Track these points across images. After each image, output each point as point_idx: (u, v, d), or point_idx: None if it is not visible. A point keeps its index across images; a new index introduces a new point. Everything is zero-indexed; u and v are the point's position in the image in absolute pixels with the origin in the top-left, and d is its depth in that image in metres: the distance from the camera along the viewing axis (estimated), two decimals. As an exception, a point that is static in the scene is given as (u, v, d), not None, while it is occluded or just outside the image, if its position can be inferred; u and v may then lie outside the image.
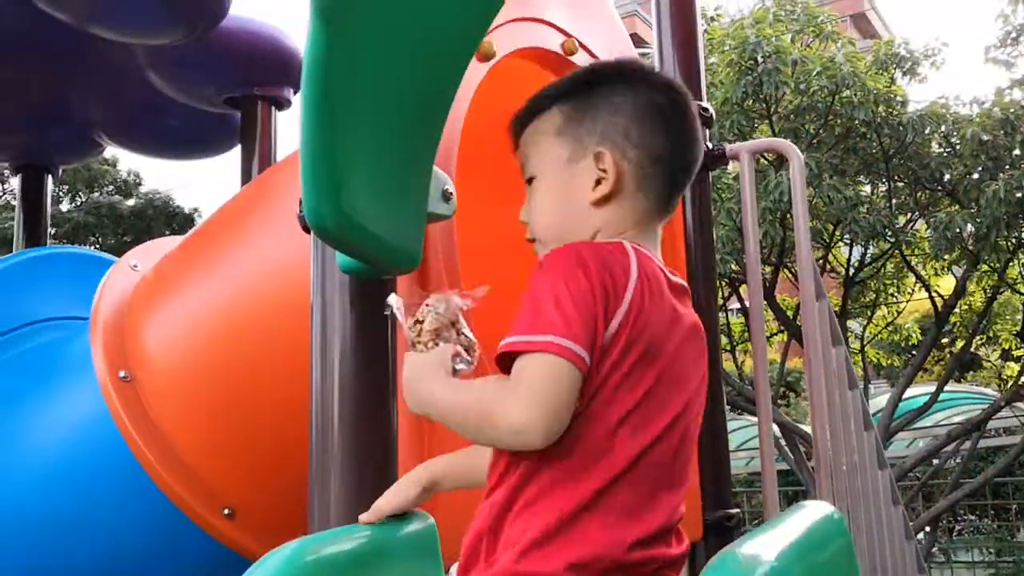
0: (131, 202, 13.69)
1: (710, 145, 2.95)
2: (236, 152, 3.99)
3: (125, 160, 14.05)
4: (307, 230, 1.63)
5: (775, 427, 7.00)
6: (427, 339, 1.29)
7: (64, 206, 13.61)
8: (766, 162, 8.72)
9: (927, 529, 11.55)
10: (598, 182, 1.34)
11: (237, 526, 2.30)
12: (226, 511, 2.30)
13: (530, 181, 1.41)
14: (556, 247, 1.27)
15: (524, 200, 1.44)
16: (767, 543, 1.13)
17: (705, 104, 2.99)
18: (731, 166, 6.37)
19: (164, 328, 2.44)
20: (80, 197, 13.83)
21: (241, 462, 2.31)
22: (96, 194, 13.67)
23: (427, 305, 1.32)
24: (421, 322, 1.31)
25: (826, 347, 2.98)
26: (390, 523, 1.49)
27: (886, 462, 3.65)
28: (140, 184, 14.02)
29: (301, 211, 1.51)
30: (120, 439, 2.30)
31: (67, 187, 13.57)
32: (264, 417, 2.25)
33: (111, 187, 13.83)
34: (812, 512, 1.27)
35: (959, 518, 15.54)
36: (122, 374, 2.34)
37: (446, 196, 1.74)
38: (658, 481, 1.21)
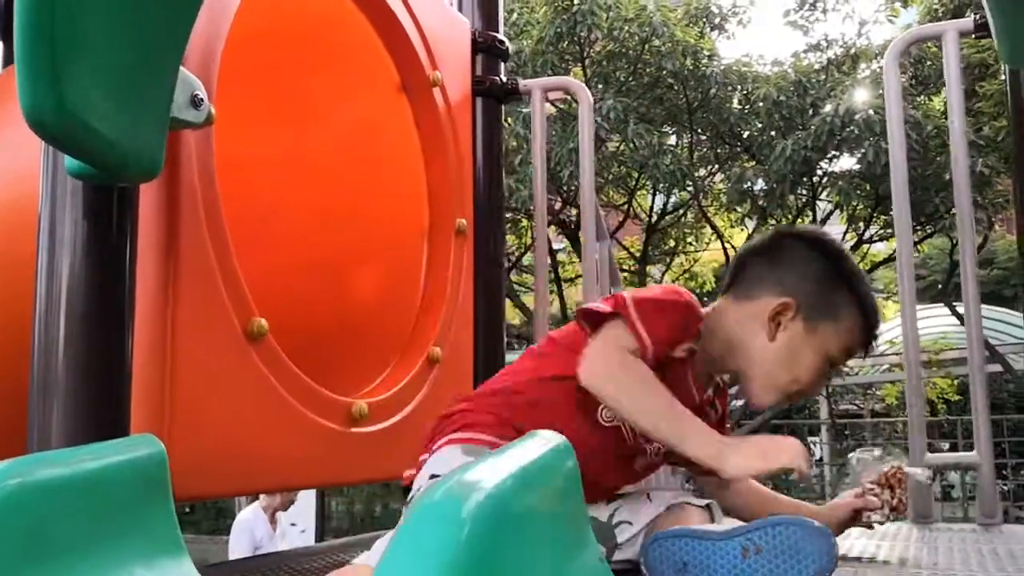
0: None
1: (503, 79, 2.93)
2: None
3: None
4: (39, 131, 1.47)
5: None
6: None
7: None
8: (574, 103, 8.82)
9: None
10: None
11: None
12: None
13: None
14: None
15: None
16: (490, 470, 1.09)
17: (501, 36, 2.95)
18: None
19: None
20: None
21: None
22: None
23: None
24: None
25: (603, 286, 3.03)
26: (111, 448, 1.39)
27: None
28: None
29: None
30: None
31: None
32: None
33: None
34: (540, 440, 1.25)
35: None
36: None
37: (196, 102, 1.61)
38: None
